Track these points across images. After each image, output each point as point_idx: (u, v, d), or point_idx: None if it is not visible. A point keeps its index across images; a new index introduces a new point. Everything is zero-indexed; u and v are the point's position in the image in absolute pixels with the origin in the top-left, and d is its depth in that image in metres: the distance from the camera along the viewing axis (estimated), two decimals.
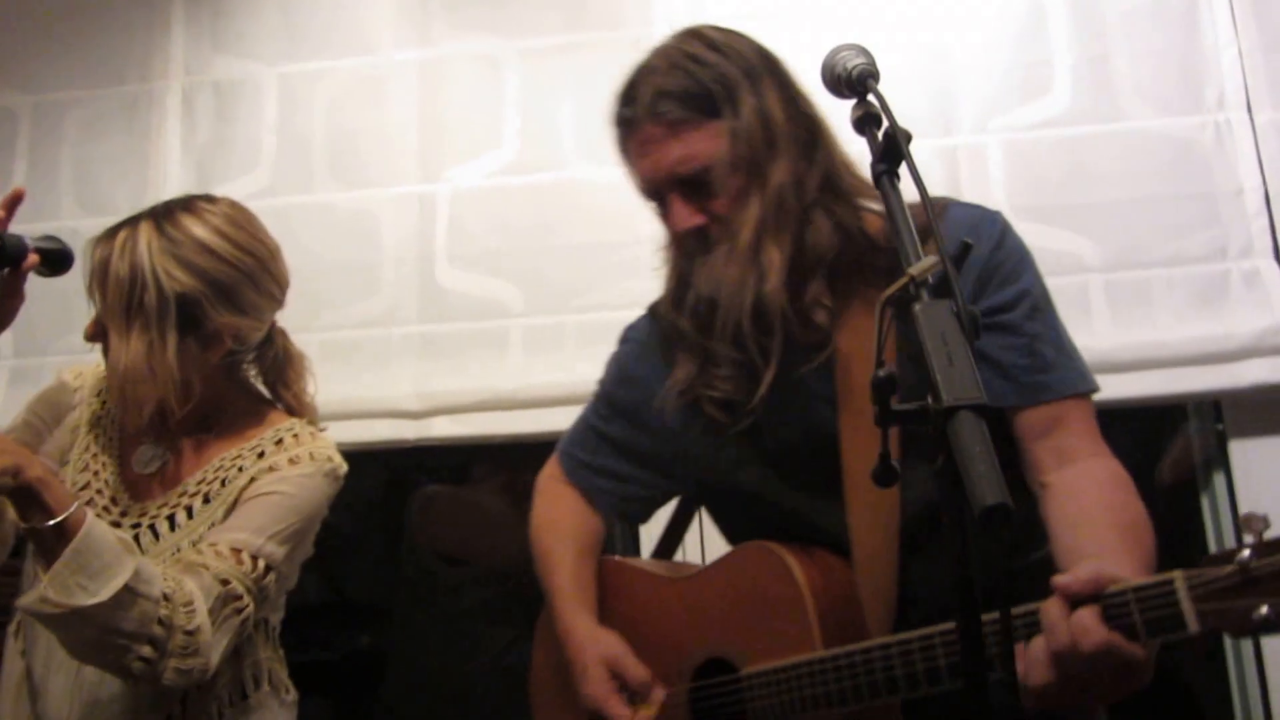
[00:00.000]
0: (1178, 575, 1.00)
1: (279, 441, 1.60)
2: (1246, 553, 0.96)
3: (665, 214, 1.39)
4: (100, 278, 1.52)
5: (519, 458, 3.07)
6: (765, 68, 1.36)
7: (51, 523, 1.29)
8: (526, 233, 2.47)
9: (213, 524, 1.53)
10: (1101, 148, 2.32)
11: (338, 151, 2.59)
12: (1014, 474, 1.32)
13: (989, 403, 1.20)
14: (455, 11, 2.63)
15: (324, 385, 2.39)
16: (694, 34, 1.39)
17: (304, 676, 1.70)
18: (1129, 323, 2.18)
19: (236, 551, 1.46)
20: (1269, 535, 0.97)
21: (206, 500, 1.55)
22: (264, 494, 1.53)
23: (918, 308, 0.90)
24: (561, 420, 2.32)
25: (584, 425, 1.65)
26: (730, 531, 1.58)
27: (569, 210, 2.48)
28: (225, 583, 1.44)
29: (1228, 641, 2.27)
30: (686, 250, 1.38)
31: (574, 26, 2.59)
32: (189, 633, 1.38)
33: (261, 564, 1.48)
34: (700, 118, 1.33)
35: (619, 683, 1.40)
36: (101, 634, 1.32)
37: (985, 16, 2.43)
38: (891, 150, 1.05)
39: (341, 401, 2.37)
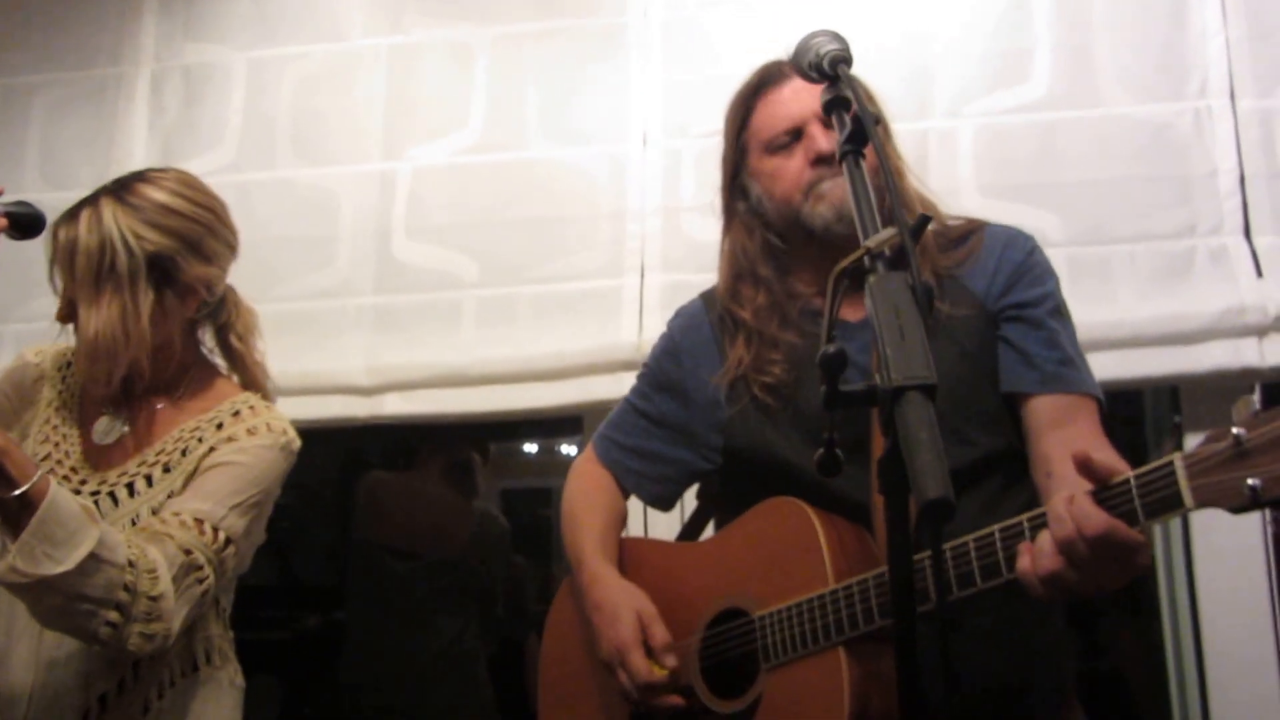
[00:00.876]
0: (1176, 456, 1.06)
1: (236, 413, 1.64)
2: (1239, 428, 1.01)
3: (791, 151, 1.50)
4: (68, 256, 1.58)
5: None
6: None
7: (15, 493, 1.31)
8: (485, 207, 2.47)
9: (171, 493, 1.57)
10: (1076, 132, 2.31)
11: (303, 130, 2.61)
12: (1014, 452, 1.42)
13: (1011, 388, 1.40)
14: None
15: (275, 360, 2.40)
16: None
17: (255, 657, 1.73)
18: (1089, 300, 2.12)
19: (199, 522, 1.50)
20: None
21: (167, 470, 1.59)
22: (223, 464, 1.57)
23: (872, 279, 0.91)
24: (513, 399, 2.36)
25: (623, 407, 1.72)
26: (738, 506, 1.59)
27: (529, 186, 2.48)
28: (188, 553, 1.47)
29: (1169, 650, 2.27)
30: (821, 173, 1.47)
31: (547, 14, 2.59)
32: (153, 599, 1.41)
33: (223, 536, 1.52)
34: None
35: (644, 637, 1.46)
36: (68, 601, 1.35)
37: (968, 2, 2.42)
38: (858, 132, 1.08)
39: (293, 376, 2.36)
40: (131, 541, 1.43)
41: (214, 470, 1.57)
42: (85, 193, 1.62)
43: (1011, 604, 1.24)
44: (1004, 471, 1.42)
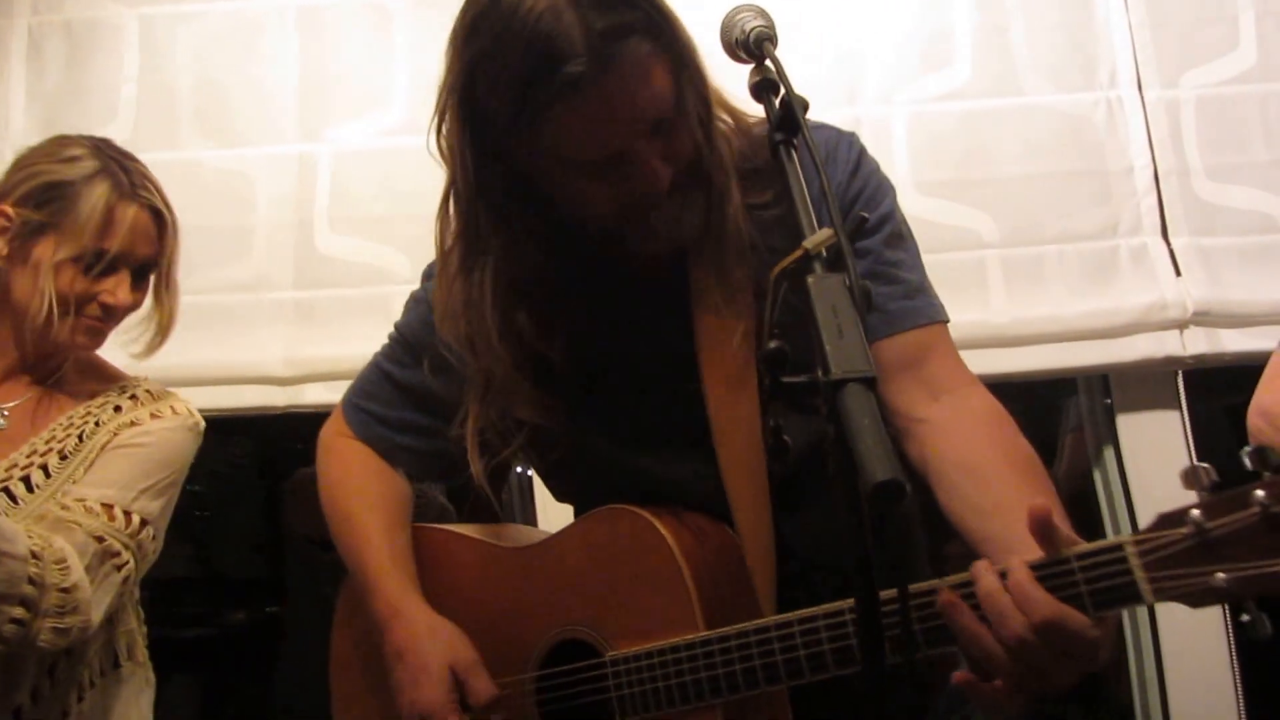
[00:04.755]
0: (1127, 540, 0.92)
1: (133, 396, 1.60)
2: (1198, 511, 0.89)
3: (606, 177, 1.15)
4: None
5: None
6: None
7: None
8: (416, 197, 2.29)
9: (74, 481, 1.49)
10: (1001, 123, 2.33)
11: (206, 104, 2.42)
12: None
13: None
14: None
15: (190, 350, 2.29)
16: None
17: (173, 655, 1.70)
18: (1024, 298, 2.21)
19: (108, 507, 1.44)
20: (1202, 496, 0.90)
21: (63, 457, 1.51)
22: (128, 446, 1.51)
23: (810, 280, 0.89)
24: None
25: (377, 374, 1.44)
26: (562, 488, 1.44)
27: None
28: (100, 539, 1.41)
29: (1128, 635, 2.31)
30: (656, 209, 1.16)
31: None
32: (64, 590, 1.35)
33: (136, 519, 1.47)
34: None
35: (459, 694, 1.25)
36: None
37: None
38: (789, 119, 1.03)
39: (207, 366, 2.29)
40: (33, 532, 1.36)
41: (118, 453, 1.51)
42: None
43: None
44: None
